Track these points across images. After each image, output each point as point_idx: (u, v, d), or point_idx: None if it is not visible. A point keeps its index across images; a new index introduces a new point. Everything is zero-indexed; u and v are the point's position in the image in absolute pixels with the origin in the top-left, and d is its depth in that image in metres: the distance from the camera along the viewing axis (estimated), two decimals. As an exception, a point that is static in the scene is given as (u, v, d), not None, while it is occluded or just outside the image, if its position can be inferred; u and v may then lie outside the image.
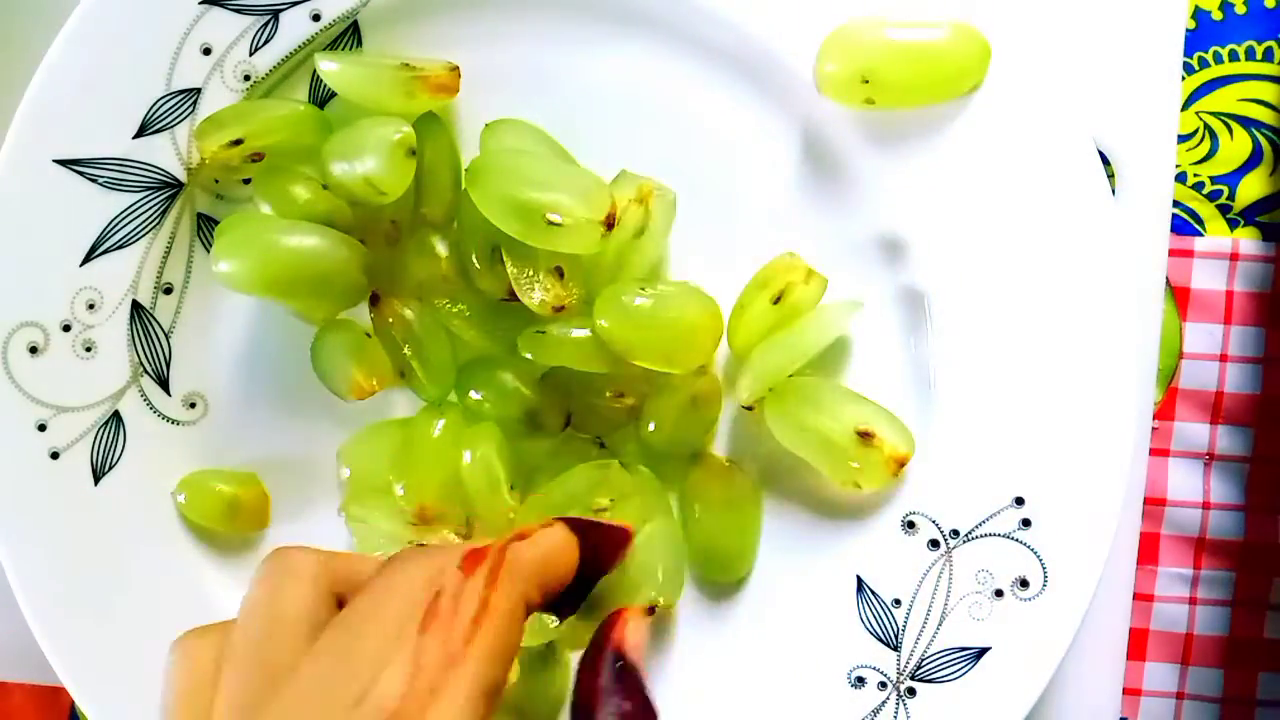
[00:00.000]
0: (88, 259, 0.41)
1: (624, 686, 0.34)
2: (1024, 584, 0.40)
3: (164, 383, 0.43)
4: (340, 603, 0.31)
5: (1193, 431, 0.45)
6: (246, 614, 0.31)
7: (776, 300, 0.40)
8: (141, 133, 0.41)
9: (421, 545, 0.32)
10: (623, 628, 0.35)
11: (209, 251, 0.42)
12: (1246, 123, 0.45)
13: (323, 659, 0.29)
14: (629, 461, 0.42)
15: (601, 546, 0.35)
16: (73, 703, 0.47)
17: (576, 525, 0.34)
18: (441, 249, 0.42)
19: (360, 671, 0.28)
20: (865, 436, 0.40)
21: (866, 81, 0.39)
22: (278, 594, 0.31)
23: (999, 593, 0.40)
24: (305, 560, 0.31)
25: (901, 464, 0.40)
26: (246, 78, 0.42)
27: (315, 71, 0.42)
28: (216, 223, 0.42)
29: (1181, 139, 0.45)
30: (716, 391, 0.41)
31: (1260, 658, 0.45)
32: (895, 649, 0.41)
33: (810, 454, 0.40)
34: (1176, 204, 0.45)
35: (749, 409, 0.41)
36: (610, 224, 0.39)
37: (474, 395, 0.41)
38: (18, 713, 0.47)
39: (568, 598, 0.34)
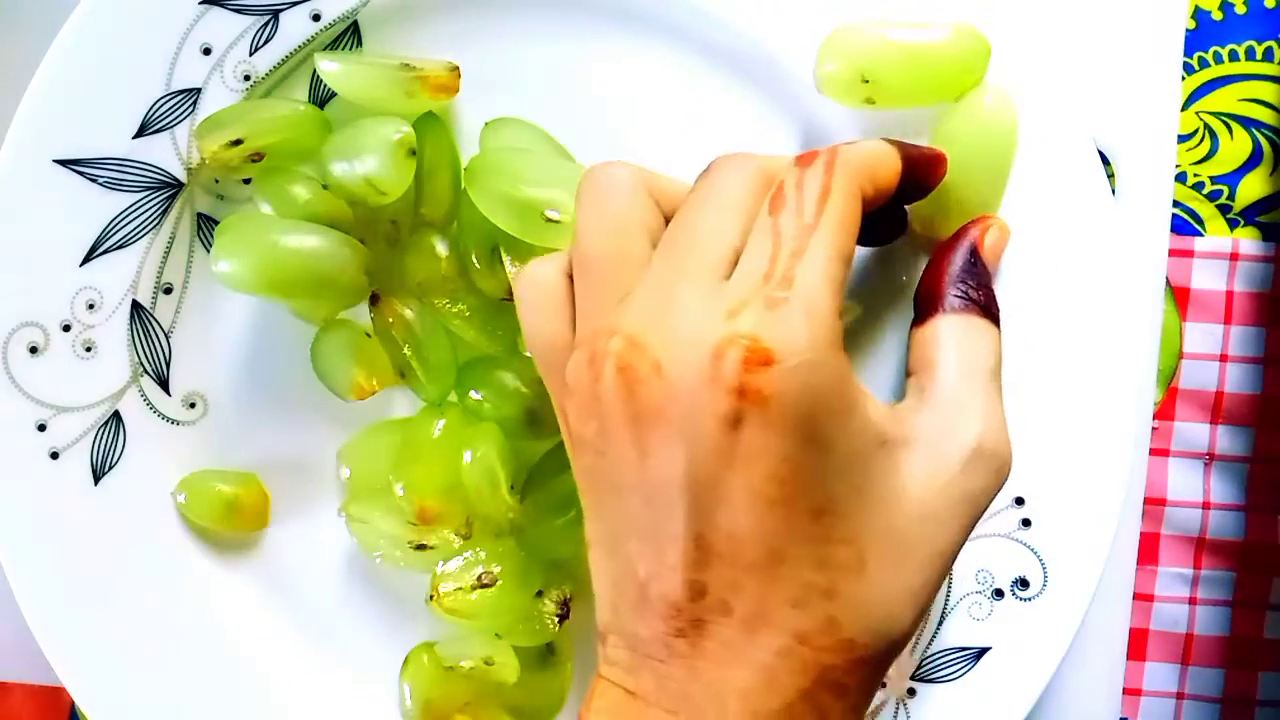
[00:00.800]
0: (88, 259, 0.41)
1: (976, 275, 0.35)
2: (1024, 584, 0.40)
3: (164, 383, 0.43)
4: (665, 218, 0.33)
5: (1193, 431, 0.45)
6: (583, 229, 0.33)
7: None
8: (141, 133, 0.41)
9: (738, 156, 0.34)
10: (985, 229, 0.36)
11: (209, 251, 0.42)
12: (1246, 123, 0.45)
13: (673, 251, 0.31)
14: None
15: (919, 164, 0.36)
16: (73, 703, 0.47)
17: (894, 143, 0.35)
18: (441, 249, 0.42)
19: (715, 253, 0.31)
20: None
21: (866, 81, 0.39)
22: (607, 204, 0.33)
23: (999, 593, 0.40)
24: (623, 172, 0.33)
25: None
26: (246, 78, 0.42)
27: (315, 71, 0.42)
28: (216, 223, 0.42)
29: (1181, 139, 0.45)
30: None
31: (1260, 658, 0.45)
32: (895, 649, 0.41)
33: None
34: (1176, 204, 0.45)
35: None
36: (610, 223, 0.39)
37: (474, 395, 0.41)
38: (18, 713, 0.47)
39: (892, 219, 0.37)
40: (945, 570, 0.31)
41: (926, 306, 0.34)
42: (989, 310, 0.34)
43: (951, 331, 0.34)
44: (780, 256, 0.30)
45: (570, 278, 0.34)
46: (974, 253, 0.36)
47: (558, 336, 0.33)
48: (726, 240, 0.31)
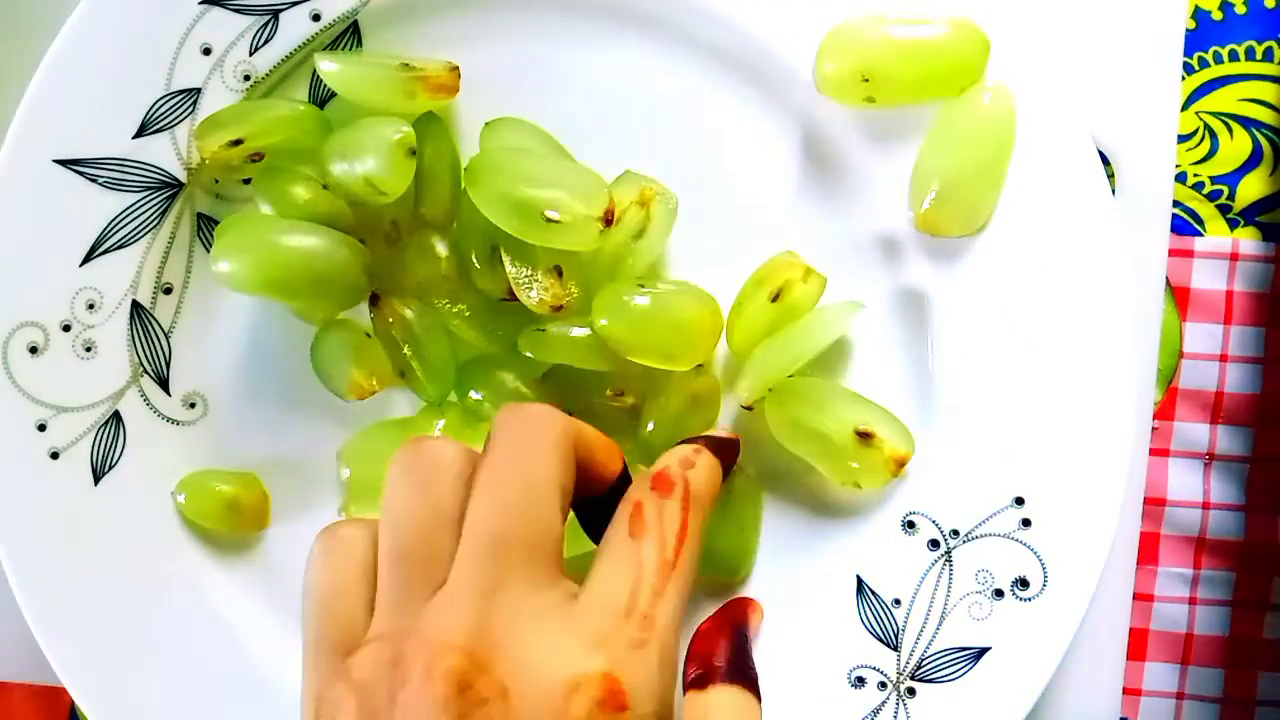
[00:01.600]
0: (88, 259, 0.41)
1: (747, 654, 0.37)
2: (1024, 584, 0.40)
3: (164, 383, 0.43)
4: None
5: (1193, 431, 0.45)
6: (399, 509, 0.31)
7: (775, 298, 0.40)
8: (141, 133, 0.41)
9: None
10: (752, 613, 0.39)
11: (209, 251, 0.42)
12: (1246, 123, 0.45)
13: (496, 547, 0.29)
14: (629, 461, 0.42)
15: (726, 460, 0.38)
16: (73, 703, 0.47)
17: (710, 443, 0.37)
18: (441, 249, 0.42)
19: (546, 550, 0.30)
20: (865, 437, 0.40)
21: (866, 80, 0.39)
22: (431, 488, 0.31)
23: (999, 593, 0.40)
24: (451, 451, 0.31)
25: (901, 464, 0.40)
26: (246, 78, 0.42)
27: (315, 71, 0.42)
28: (216, 223, 0.42)
29: (1181, 139, 0.45)
30: (715, 391, 0.41)
31: (1260, 658, 0.45)
32: (895, 649, 0.41)
33: (810, 454, 0.40)
34: (1176, 204, 0.45)
35: (749, 409, 0.41)
36: (609, 221, 0.39)
37: (474, 395, 0.41)
38: (18, 713, 0.47)
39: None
40: None
41: (703, 674, 0.36)
42: (756, 688, 0.36)
43: (729, 702, 0.35)
44: (642, 592, 0.30)
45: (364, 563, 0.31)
46: (744, 635, 0.38)
47: (350, 616, 0.30)
48: (550, 527, 0.30)
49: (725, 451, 0.38)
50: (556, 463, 0.31)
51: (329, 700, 0.29)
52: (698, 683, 0.36)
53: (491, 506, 0.30)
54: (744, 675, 0.36)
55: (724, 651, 0.37)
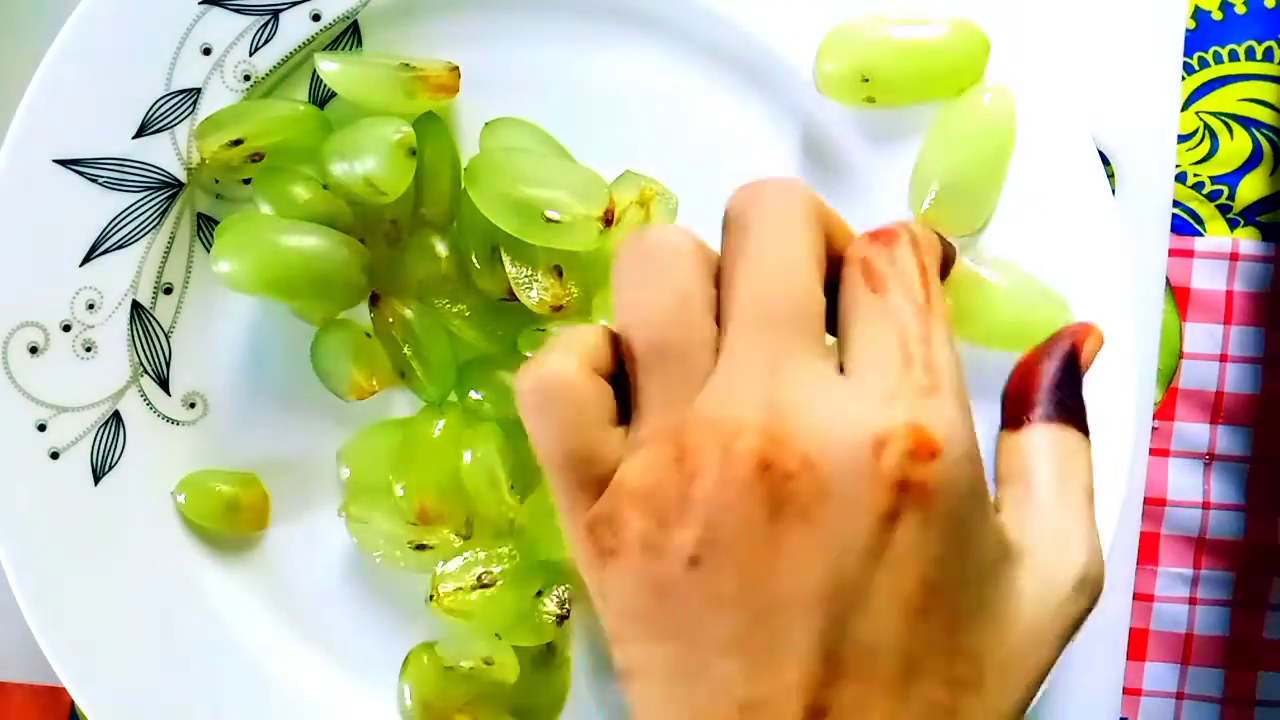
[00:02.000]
0: (88, 259, 0.41)
1: (1073, 386, 0.32)
2: (1024, 584, 0.40)
3: (164, 383, 0.43)
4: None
5: (1193, 431, 0.45)
6: (638, 306, 0.29)
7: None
8: (141, 133, 0.41)
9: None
10: (1084, 337, 0.33)
11: (209, 251, 0.42)
12: (1246, 123, 0.45)
13: (759, 322, 0.28)
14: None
15: (949, 257, 0.34)
16: (73, 703, 0.47)
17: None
18: (441, 249, 0.42)
19: (812, 321, 0.28)
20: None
21: (866, 80, 0.39)
22: (668, 278, 0.29)
23: (999, 593, 0.40)
24: (679, 235, 0.29)
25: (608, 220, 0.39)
26: (246, 78, 0.42)
27: (315, 71, 0.42)
28: (216, 223, 0.42)
29: (1181, 139, 0.45)
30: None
31: (1260, 658, 0.45)
32: (895, 649, 0.40)
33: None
34: (1176, 204, 0.45)
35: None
36: (609, 221, 0.39)
37: (474, 395, 0.41)
38: (18, 713, 0.47)
39: None
40: (1039, 689, 0.29)
41: (1018, 411, 0.32)
42: (1083, 424, 0.32)
43: (1047, 444, 0.31)
44: (910, 340, 0.27)
45: (589, 371, 0.29)
46: (1073, 362, 0.32)
47: (593, 444, 0.28)
48: (815, 298, 0.28)
49: (944, 241, 0.33)
50: (811, 232, 0.29)
51: (602, 528, 0.27)
52: (1013, 422, 0.32)
53: (755, 282, 0.28)
54: (1068, 411, 0.31)
55: (1045, 383, 0.32)
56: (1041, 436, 0.31)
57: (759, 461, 0.26)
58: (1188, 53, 0.45)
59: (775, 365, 0.27)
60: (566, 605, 0.41)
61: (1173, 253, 0.45)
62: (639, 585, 0.27)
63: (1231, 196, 0.45)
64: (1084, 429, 0.32)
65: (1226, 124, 0.45)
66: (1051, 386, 0.32)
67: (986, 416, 0.30)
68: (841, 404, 0.26)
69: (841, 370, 0.28)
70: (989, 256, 0.40)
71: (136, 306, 0.42)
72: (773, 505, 0.26)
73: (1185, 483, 0.45)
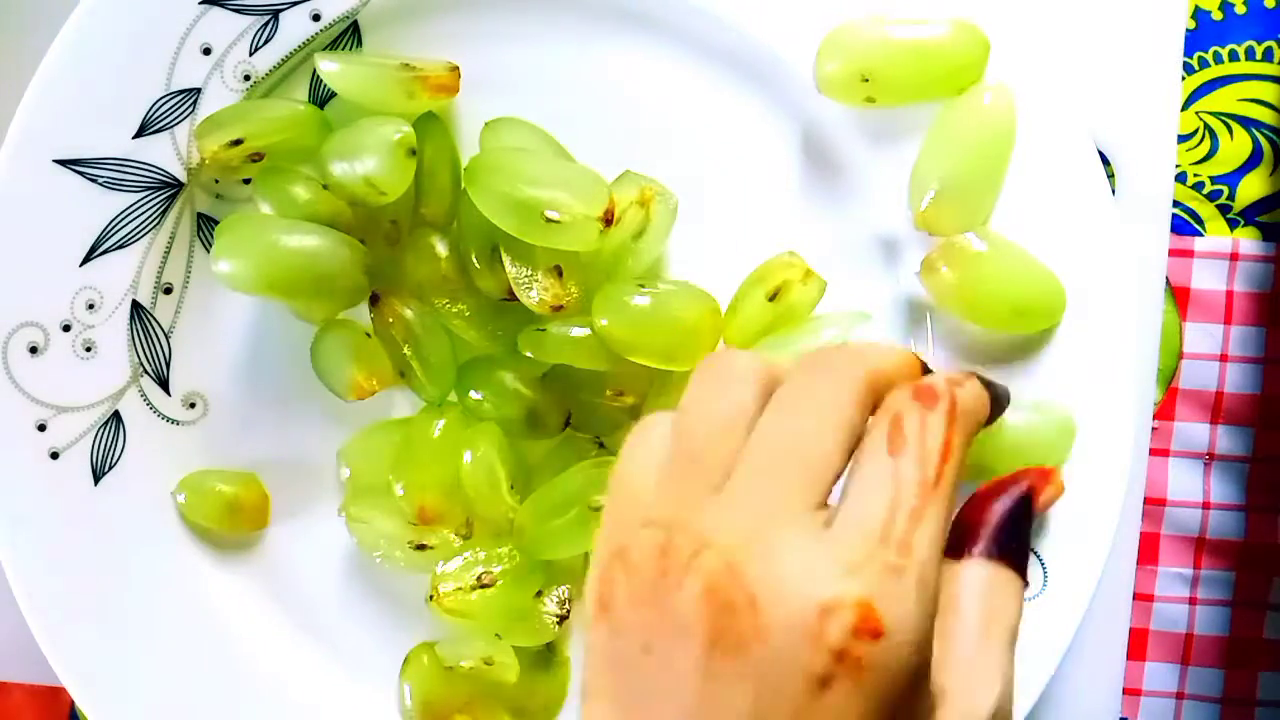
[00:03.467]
0: (88, 259, 0.41)
1: (1021, 529, 0.33)
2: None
3: (164, 383, 0.43)
4: None
5: (1193, 431, 0.45)
6: (695, 407, 0.31)
7: (773, 297, 0.40)
8: (141, 133, 0.41)
9: (838, 348, 0.32)
10: (1044, 484, 0.34)
11: (209, 251, 0.42)
12: (1246, 123, 0.45)
13: (774, 463, 0.29)
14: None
15: (995, 400, 0.34)
16: (73, 703, 0.47)
17: (980, 377, 0.33)
18: (441, 249, 0.42)
19: (818, 476, 0.29)
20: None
21: (866, 80, 0.39)
22: (725, 394, 0.31)
23: (999, 593, 0.40)
24: (748, 363, 0.31)
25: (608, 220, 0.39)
26: (246, 78, 0.42)
27: (315, 71, 0.42)
28: (216, 223, 0.42)
29: (1181, 139, 0.45)
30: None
31: (1260, 658, 0.45)
32: (895, 649, 0.40)
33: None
34: (1176, 204, 0.45)
35: None
36: (608, 220, 0.39)
37: (474, 395, 0.41)
38: (18, 713, 0.47)
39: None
40: None
41: (961, 541, 0.33)
42: (1022, 567, 0.33)
43: (981, 580, 0.32)
44: (899, 514, 0.28)
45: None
46: (1026, 506, 0.34)
47: (644, 493, 0.31)
48: (830, 463, 0.29)
49: (994, 390, 0.34)
50: (854, 410, 0.30)
51: (608, 578, 0.30)
52: (954, 550, 0.32)
53: (784, 425, 0.30)
54: (1010, 552, 0.32)
55: (993, 520, 0.33)
56: (977, 571, 0.32)
57: (709, 586, 0.27)
58: (1188, 53, 0.45)
59: (771, 504, 0.28)
60: (566, 605, 0.41)
61: (1173, 253, 0.45)
62: (606, 652, 0.29)
63: (1231, 196, 0.45)
64: (1022, 571, 0.33)
65: (1226, 124, 0.45)
66: (998, 525, 0.33)
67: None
68: (806, 561, 0.27)
69: (829, 520, 0.29)
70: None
71: (136, 306, 0.42)
72: (713, 630, 0.27)
73: (1185, 483, 0.45)
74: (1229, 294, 0.45)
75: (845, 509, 0.29)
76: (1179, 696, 0.45)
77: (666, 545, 0.29)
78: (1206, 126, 0.45)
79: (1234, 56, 0.45)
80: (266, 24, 0.41)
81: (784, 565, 0.27)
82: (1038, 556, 0.40)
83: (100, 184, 0.41)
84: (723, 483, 0.29)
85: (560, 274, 0.40)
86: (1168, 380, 0.45)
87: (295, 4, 0.41)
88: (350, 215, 0.41)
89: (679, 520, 0.29)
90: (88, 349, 0.42)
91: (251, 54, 0.42)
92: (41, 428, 0.41)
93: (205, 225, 0.43)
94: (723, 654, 0.27)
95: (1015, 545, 0.33)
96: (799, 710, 0.27)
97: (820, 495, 0.29)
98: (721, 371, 0.31)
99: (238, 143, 0.41)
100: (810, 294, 0.40)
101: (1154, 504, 0.45)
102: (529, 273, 0.40)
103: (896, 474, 0.29)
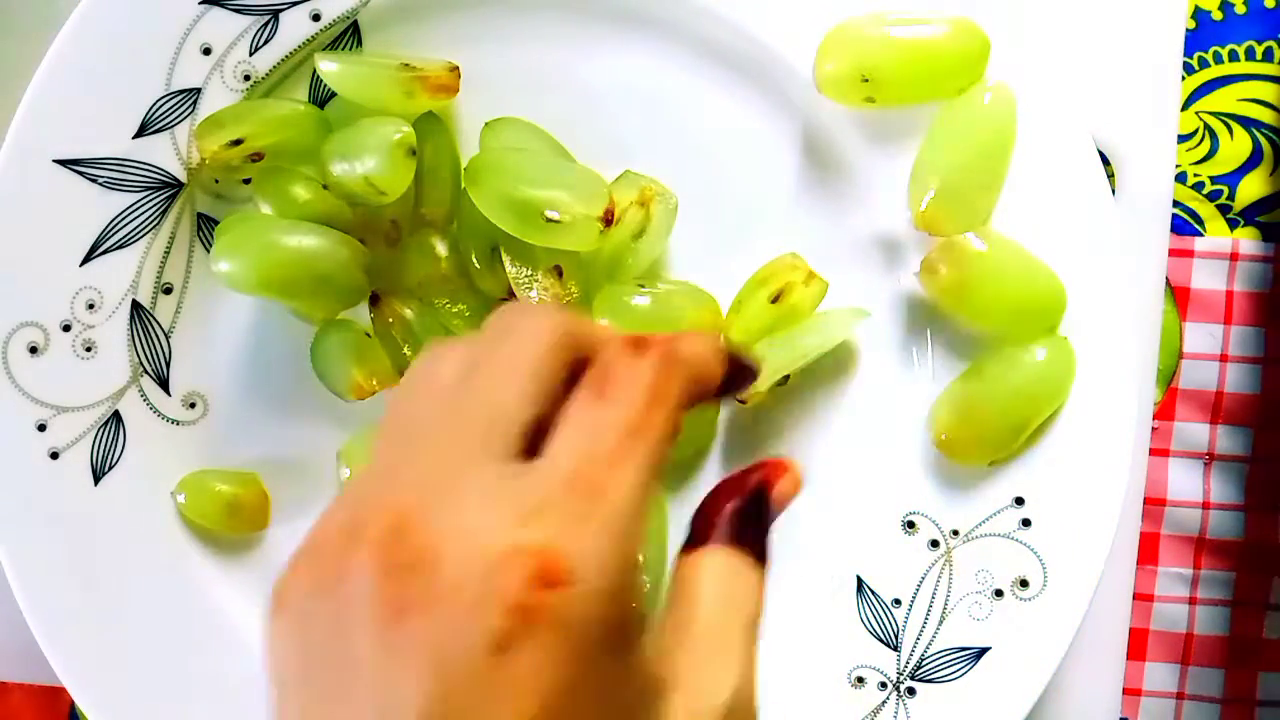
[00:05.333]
0: (88, 259, 0.41)
1: (758, 517, 0.32)
2: (1024, 584, 0.40)
3: (164, 383, 0.43)
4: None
5: (1193, 431, 0.45)
6: (403, 386, 0.29)
7: (775, 299, 0.40)
8: (141, 133, 0.41)
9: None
10: (779, 475, 0.32)
11: (209, 251, 0.42)
12: (1246, 123, 0.45)
13: (460, 418, 0.27)
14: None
15: (738, 373, 0.32)
16: (73, 703, 0.47)
17: (719, 346, 0.32)
18: (441, 249, 0.42)
19: (507, 424, 0.27)
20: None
21: (866, 80, 0.39)
22: (432, 372, 0.29)
23: (999, 592, 0.40)
24: (456, 342, 0.30)
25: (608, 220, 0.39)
26: (246, 78, 0.42)
27: (315, 71, 0.42)
28: (216, 223, 0.42)
29: (1181, 139, 0.45)
30: (716, 391, 0.41)
31: (1260, 658, 0.45)
32: (895, 649, 0.41)
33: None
34: (1176, 204, 0.45)
35: (743, 402, 0.41)
36: (608, 221, 0.39)
37: (474, 395, 0.41)
38: (18, 713, 0.47)
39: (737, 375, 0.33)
40: None
41: (698, 534, 0.31)
42: (761, 556, 0.31)
43: (717, 569, 0.30)
44: (596, 456, 0.26)
45: None
46: (762, 495, 0.32)
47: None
48: (517, 408, 0.27)
49: (740, 361, 0.33)
50: (546, 354, 0.28)
51: (294, 572, 0.28)
52: (690, 541, 0.31)
53: (471, 383, 0.28)
54: (746, 539, 0.31)
55: (729, 510, 0.31)
56: (713, 559, 0.30)
57: (376, 545, 0.25)
58: (1188, 53, 0.45)
59: (458, 458, 0.26)
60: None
61: (1173, 253, 0.45)
62: (284, 649, 0.27)
63: (1231, 196, 0.45)
64: (761, 560, 0.31)
65: (1226, 124, 0.45)
66: (732, 512, 0.31)
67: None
68: (488, 511, 0.25)
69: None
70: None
71: (136, 306, 0.42)
72: (384, 599, 0.25)
73: (1185, 483, 0.45)
74: (1229, 294, 0.45)
75: (542, 458, 0.26)
76: (1179, 696, 0.45)
77: (349, 522, 0.26)
78: (1206, 126, 0.45)
79: (1234, 56, 0.45)
80: (266, 24, 0.41)
81: (469, 516, 0.25)
82: (1035, 553, 0.40)
83: (100, 184, 0.41)
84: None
85: (560, 274, 0.40)
86: (1168, 380, 0.45)
87: (295, 4, 0.41)
88: (350, 215, 0.41)
89: (366, 496, 0.27)
90: (88, 349, 0.42)
91: (251, 54, 0.42)
92: (41, 428, 0.41)
93: (205, 225, 0.43)
94: (397, 623, 0.24)
95: (752, 534, 0.31)
96: (479, 681, 0.24)
97: (507, 443, 0.27)
98: (430, 352, 0.29)
99: (238, 143, 0.41)
100: (812, 296, 0.40)
101: (1154, 504, 0.45)
102: (529, 273, 0.40)
103: (594, 418, 0.27)
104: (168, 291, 0.43)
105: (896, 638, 0.41)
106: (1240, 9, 0.45)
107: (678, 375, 0.29)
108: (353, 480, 0.28)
